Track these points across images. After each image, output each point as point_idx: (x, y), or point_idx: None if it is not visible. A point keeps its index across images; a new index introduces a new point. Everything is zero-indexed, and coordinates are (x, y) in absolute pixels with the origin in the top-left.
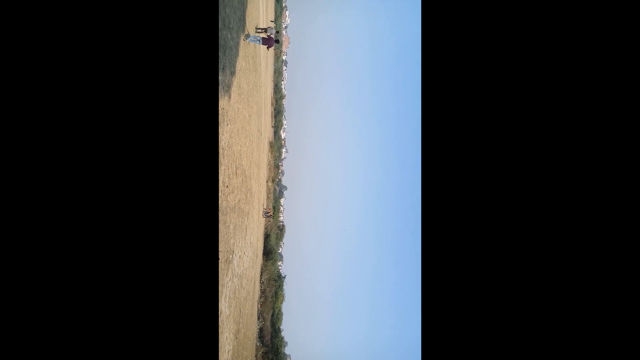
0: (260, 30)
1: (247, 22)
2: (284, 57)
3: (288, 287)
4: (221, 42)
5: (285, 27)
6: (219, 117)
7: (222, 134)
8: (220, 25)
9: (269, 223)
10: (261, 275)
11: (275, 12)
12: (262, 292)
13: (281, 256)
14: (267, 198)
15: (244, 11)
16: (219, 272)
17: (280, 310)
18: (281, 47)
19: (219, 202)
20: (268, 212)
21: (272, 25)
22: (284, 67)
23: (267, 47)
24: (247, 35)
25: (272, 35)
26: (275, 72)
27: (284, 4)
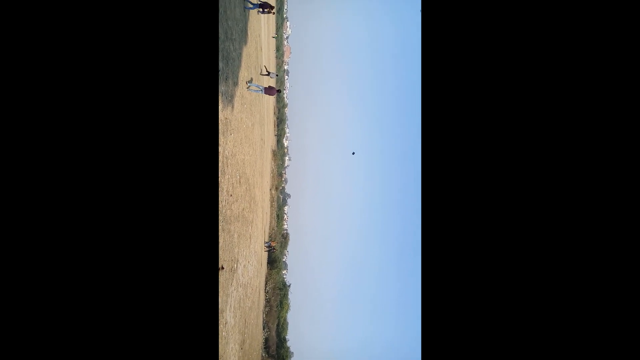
0: (265, 74)
1: (249, 35)
2: (285, 67)
3: (293, 295)
4: (224, 53)
5: (287, 38)
6: (223, 126)
7: (226, 144)
8: (222, 37)
9: (273, 232)
10: (266, 284)
11: (277, 23)
12: (267, 301)
13: (285, 264)
14: (271, 207)
15: (246, 23)
16: (224, 282)
17: (285, 319)
18: (283, 88)
19: (223, 211)
20: (272, 246)
21: (273, 72)
22: (286, 77)
23: (268, 95)
24: (250, 82)
25: (273, 79)
26: (277, 81)
27: (284, 15)
